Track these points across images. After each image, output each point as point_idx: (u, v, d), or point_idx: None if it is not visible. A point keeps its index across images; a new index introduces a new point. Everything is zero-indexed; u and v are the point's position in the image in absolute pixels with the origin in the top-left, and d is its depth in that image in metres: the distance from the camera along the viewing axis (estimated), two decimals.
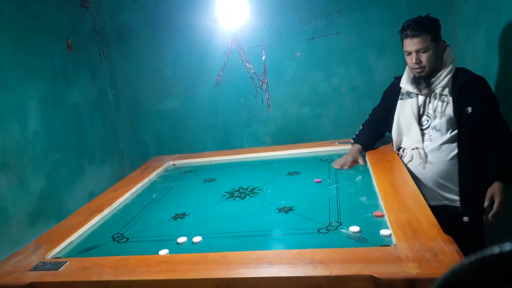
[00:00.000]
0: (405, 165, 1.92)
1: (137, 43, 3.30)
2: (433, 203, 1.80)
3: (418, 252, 1.09)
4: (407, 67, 1.88)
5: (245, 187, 1.93)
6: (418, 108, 1.85)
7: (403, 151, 1.95)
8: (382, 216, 1.40)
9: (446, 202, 1.83)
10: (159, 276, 1.15)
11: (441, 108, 1.77)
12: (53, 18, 2.72)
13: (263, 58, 3.12)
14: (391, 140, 2.10)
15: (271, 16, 3.02)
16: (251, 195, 1.83)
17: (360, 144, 2.12)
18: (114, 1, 3.27)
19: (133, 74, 3.38)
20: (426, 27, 1.70)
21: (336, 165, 2.03)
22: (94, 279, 1.19)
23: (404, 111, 1.89)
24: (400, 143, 1.97)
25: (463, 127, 1.74)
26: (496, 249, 0.30)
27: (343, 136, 2.76)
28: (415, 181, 1.83)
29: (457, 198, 1.81)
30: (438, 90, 1.77)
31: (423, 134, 1.84)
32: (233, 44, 3.14)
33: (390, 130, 2.05)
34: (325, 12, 2.93)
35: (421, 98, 1.85)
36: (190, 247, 1.38)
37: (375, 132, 2.19)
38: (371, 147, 2.18)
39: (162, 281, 1.14)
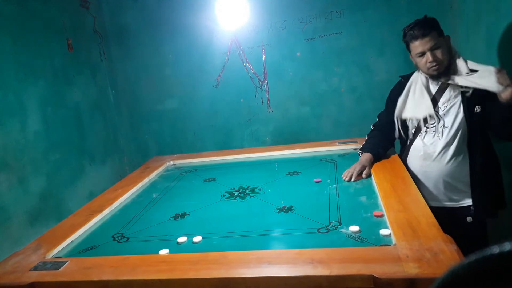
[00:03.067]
0: (407, 164, 1.89)
1: (137, 43, 3.31)
2: (435, 204, 1.80)
3: (418, 251, 1.09)
4: (418, 72, 1.84)
5: (245, 187, 1.93)
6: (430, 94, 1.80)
7: (410, 123, 1.87)
8: (382, 215, 1.41)
9: (450, 204, 1.82)
10: (159, 275, 1.15)
11: (454, 101, 1.72)
12: (54, 18, 2.72)
13: (263, 58, 3.12)
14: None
15: (271, 16, 3.03)
16: (251, 195, 1.83)
17: (370, 153, 1.94)
18: (115, 1, 3.27)
19: (133, 74, 3.38)
20: (431, 25, 1.70)
21: (344, 176, 1.86)
22: (95, 278, 1.19)
23: (416, 85, 1.84)
24: (402, 111, 1.87)
25: (473, 126, 1.71)
26: (495, 249, 0.30)
27: (343, 136, 2.77)
28: (418, 180, 1.83)
29: (463, 199, 1.79)
30: (457, 80, 1.71)
31: (431, 132, 1.79)
32: (233, 44, 3.14)
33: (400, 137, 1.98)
34: (325, 12, 2.94)
35: (433, 91, 1.80)
36: (190, 247, 1.38)
37: (385, 141, 2.03)
38: (383, 156, 2.00)
39: (162, 281, 1.14)
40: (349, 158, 2.17)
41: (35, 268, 1.30)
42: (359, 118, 3.04)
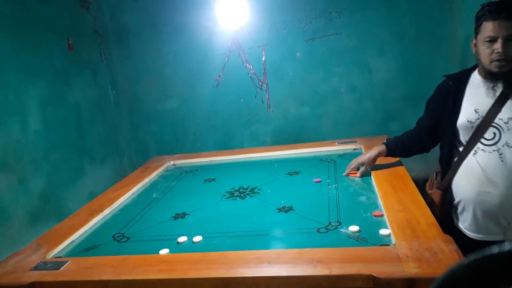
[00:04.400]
0: (451, 186, 1.57)
1: (137, 44, 3.31)
2: (484, 237, 1.51)
3: (418, 251, 1.09)
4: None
5: (245, 187, 1.93)
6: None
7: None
8: (382, 215, 1.41)
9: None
10: (159, 275, 1.16)
11: None
12: (54, 18, 2.72)
13: (263, 59, 3.13)
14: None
15: (271, 16, 3.03)
16: (251, 195, 1.83)
17: (385, 146, 1.76)
18: (115, 1, 3.27)
19: (133, 74, 3.39)
20: None
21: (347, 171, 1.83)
22: (95, 278, 1.19)
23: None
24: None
25: None
26: (495, 249, 0.31)
27: (343, 136, 2.77)
28: (468, 208, 1.53)
29: None
30: None
31: (490, 152, 1.45)
32: (233, 45, 3.14)
33: (437, 142, 1.70)
34: (325, 13, 2.94)
35: (494, 96, 1.44)
36: (191, 247, 1.38)
37: (416, 142, 1.76)
38: (401, 154, 1.80)
39: (162, 281, 1.14)
40: (349, 158, 2.17)
41: (36, 268, 1.30)
42: (359, 118, 3.04)
